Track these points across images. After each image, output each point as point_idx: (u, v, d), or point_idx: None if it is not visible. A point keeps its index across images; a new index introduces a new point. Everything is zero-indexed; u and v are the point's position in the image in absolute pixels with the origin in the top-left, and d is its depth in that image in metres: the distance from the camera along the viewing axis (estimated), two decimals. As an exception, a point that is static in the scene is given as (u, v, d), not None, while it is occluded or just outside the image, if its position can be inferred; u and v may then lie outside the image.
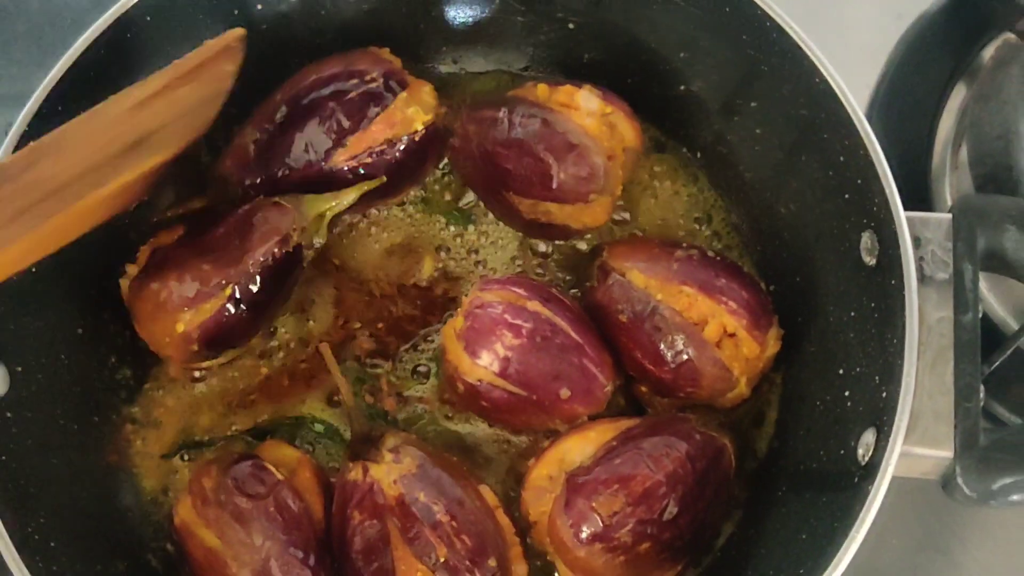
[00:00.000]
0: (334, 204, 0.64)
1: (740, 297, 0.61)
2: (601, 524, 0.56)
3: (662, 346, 0.61)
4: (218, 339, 0.62)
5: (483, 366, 0.60)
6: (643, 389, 0.64)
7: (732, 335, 0.61)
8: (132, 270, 0.63)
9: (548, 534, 0.58)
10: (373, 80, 0.65)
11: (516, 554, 0.59)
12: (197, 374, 0.66)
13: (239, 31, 0.59)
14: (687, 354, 0.60)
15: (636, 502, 0.56)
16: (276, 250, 0.61)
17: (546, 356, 0.60)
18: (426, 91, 0.66)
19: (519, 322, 0.59)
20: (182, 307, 0.60)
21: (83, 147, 0.56)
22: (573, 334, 0.60)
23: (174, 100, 0.59)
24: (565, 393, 0.60)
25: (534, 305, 0.60)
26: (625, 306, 0.62)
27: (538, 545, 0.60)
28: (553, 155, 0.62)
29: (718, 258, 0.64)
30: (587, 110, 0.63)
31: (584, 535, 0.56)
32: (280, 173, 0.65)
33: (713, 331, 0.60)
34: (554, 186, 0.63)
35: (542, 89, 0.65)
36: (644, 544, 0.56)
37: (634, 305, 0.62)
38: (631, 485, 0.57)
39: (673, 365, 0.61)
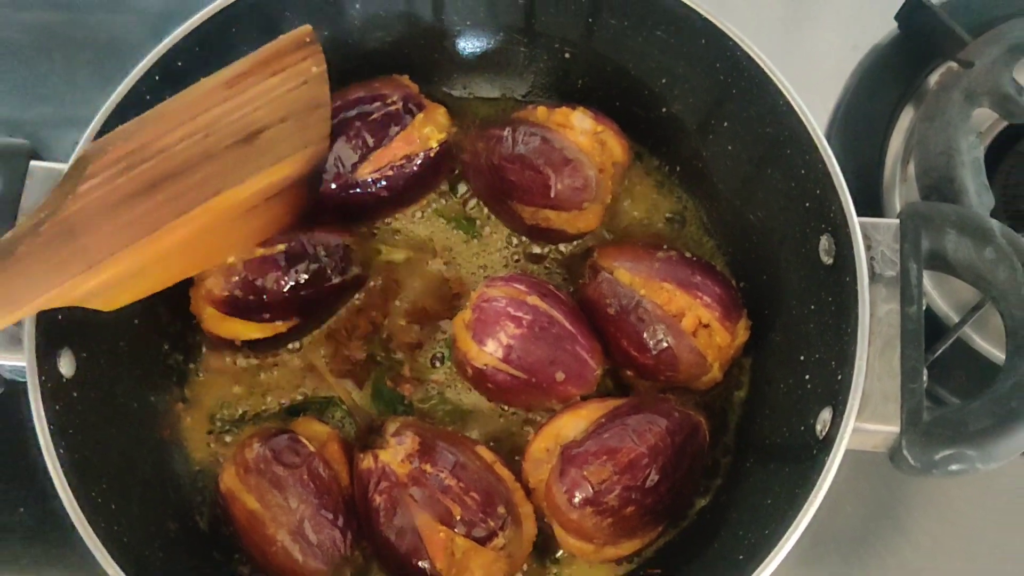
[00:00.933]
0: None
1: (713, 292, 0.61)
2: (591, 490, 0.56)
3: (645, 335, 0.61)
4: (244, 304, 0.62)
5: (489, 352, 0.60)
6: (628, 373, 0.64)
7: (706, 326, 0.61)
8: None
9: (545, 499, 0.59)
10: (394, 103, 0.65)
11: (520, 498, 0.59)
12: (238, 363, 0.66)
13: (307, 27, 0.59)
14: (667, 342, 0.60)
15: (622, 471, 0.56)
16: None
17: (544, 344, 0.60)
18: (440, 113, 0.67)
19: (520, 314, 0.60)
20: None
21: (185, 118, 0.55)
22: (567, 325, 0.60)
23: (268, 92, 0.59)
24: (560, 376, 0.60)
25: (533, 299, 0.60)
26: (613, 300, 0.62)
27: (537, 509, 0.60)
28: (551, 168, 0.63)
29: (694, 258, 0.64)
30: (580, 129, 0.64)
31: (576, 500, 0.57)
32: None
33: (689, 322, 0.61)
34: (552, 195, 0.63)
35: (541, 111, 0.65)
36: (629, 508, 0.57)
37: (621, 299, 0.62)
38: (618, 456, 0.57)
39: (655, 352, 0.61)
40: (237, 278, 0.61)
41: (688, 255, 0.64)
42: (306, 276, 0.61)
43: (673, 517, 0.60)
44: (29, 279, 0.50)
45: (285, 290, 0.61)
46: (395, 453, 0.57)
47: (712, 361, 0.61)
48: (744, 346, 0.63)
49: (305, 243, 0.62)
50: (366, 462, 0.58)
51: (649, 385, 0.64)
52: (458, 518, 0.56)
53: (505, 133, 0.65)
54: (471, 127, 0.69)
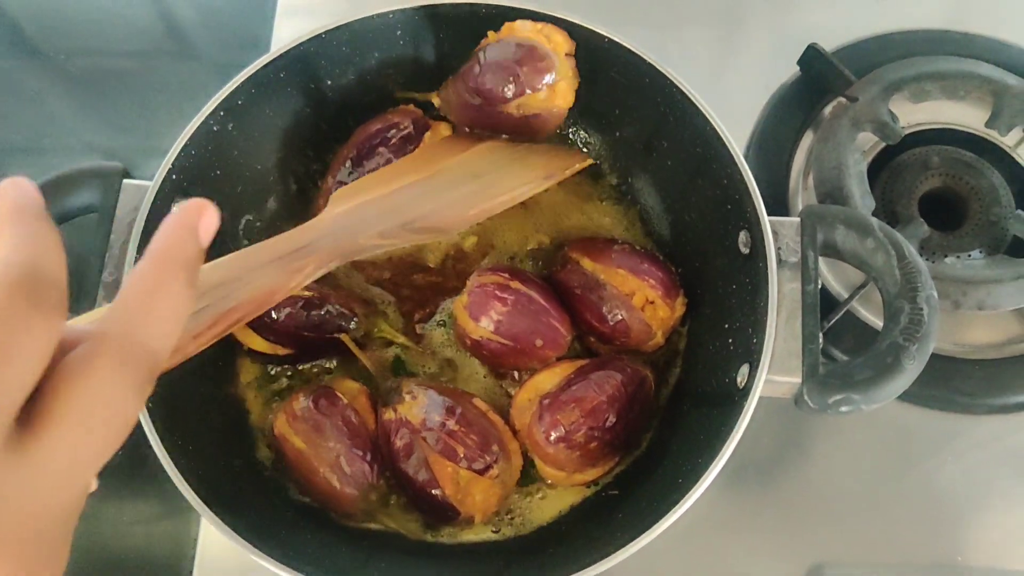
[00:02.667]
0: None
1: (657, 276, 0.62)
2: (563, 431, 0.57)
3: (604, 310, 0.61)
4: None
5: (483, 327, 0.60)
6: (592, 340, 0.64)
7: (652, 302, 0.61)
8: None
9: (527, 438, 0.59)
10: (406, 127, 0.65)
11: (509, 438, 0.60)
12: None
13: (588, 160, 0.59)
14: (621, 315, 0.61)
15: (587, 415, 0.57)
16: None
17: (525, 318, 0.60)
18: (443, 127, 0.67)
19: (505, 296, 0.60)
20: None
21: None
22: (543, 302, 0.61)
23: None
24: (539, 343, 0.60)
25: (515, 284, 0.60)
26: (579, 283, 0.62)
27: (522, 446, 0.60)
28: (515, 61, 0.61)
29: (642, 250, 0.64)
30: (524, 28, 0.62)
31: (552, 438, 0.57)
32: None
33: (639, 300, 0.61)
34: (523, 79, 0.62)
35: (491, 34, 0.64)
36: (593, 443, 0.57)
37: (585, 283, 0.62)
38: (583, 404, 0.57)
39: (612, 323, 0.61)
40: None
41: (637, 247, 0.64)
42: (313, 322, 0.61)
43: (626, 450, 0.61)
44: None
45: (291, 325, 0.60)
46: (410, 407, 0.58)
47: (656, 330, 0.61)
48: (681, 318, 0.63)
49: (325, 299, 0.61)
50: (388, 414, 0.58)
51: (608, 349, 0.64)
52: (461, 455, 0.56)
53: (472, 62, 0.64)
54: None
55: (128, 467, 0.65)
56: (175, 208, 0.27)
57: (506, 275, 0.61)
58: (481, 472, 0.56)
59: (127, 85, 0.84)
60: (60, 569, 0.26)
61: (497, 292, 0.60)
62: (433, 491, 0.56)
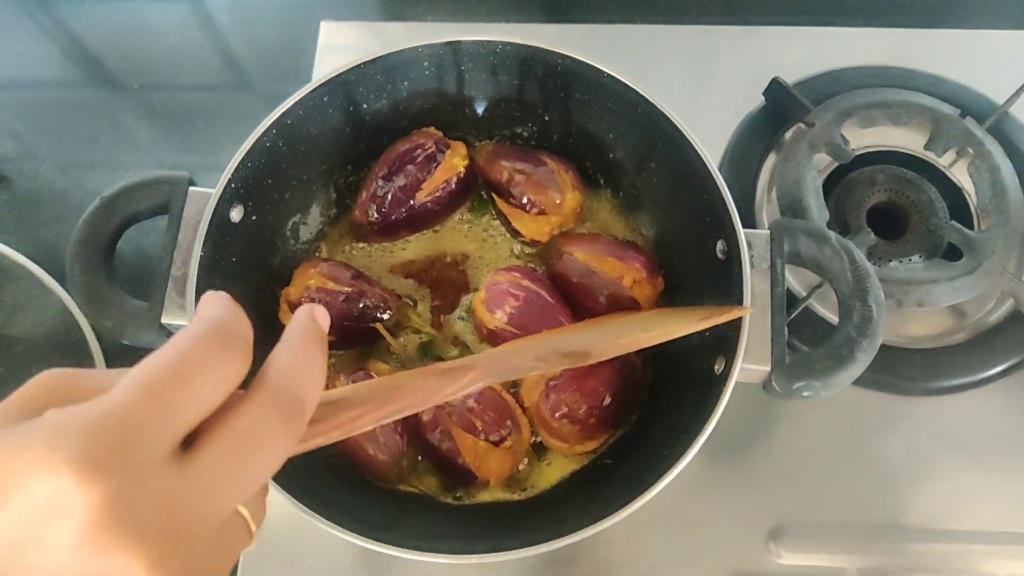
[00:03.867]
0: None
1: (640, 260, 0.61)
2: (566, 408, 0.56)
3: (599, 293, 0.61)
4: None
5: (498, 319, 0.59)
6: None
7: (638, 282, 0.61)
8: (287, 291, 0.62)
9: (535, 414, 0.59)
10: (430, 148, 0.64)
11: (519, 414, 0.59)
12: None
13: (747, 310, 0.52)
14: (614, 296, 0.61)
15: (587, 395, 0.57)
16: None
17: (534, 311, 0.59)
18: (461, 147, 0.66)
19: (517, 292, 0.59)
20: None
21: None
22: (548, 298, 0.60)
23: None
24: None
25: (526, 282, 0.60)
26: (575, 273, 0.62)
27: (530, 421, 0.60)
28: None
29: (625, 241, 0.64)
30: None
31: (557, 415, 0.57)
32: (391, 215, 0.64)
33: (628, 281, 0.61)
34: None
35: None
36: (591, 419, 0.57)
37: (581, 272, 0.62)
38: (584, 386, 0.57)
39: (606, 302, 0.61)
40: (308, 295, 0.60)
41: (619, 238, 0.64)
42: (352, 314, 0.60)
43: (619, 425, 0.60)
44: None
45: (335, 316, 0.59)
46: None
47: (643, 303, 0.62)
48: (661, 294, 0.63)
49: (363, 294, 0.60)
50: None
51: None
52: (480, 428, 0.56)
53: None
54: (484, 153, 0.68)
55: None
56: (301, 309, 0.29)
57: (518, 274, 0.60)
58: (496, 443, 0.56)
59: (191, 111, 0.84)
60: None
61: (511, 289, 0.59)
62: (455, 459, 0.56)
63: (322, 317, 0.30)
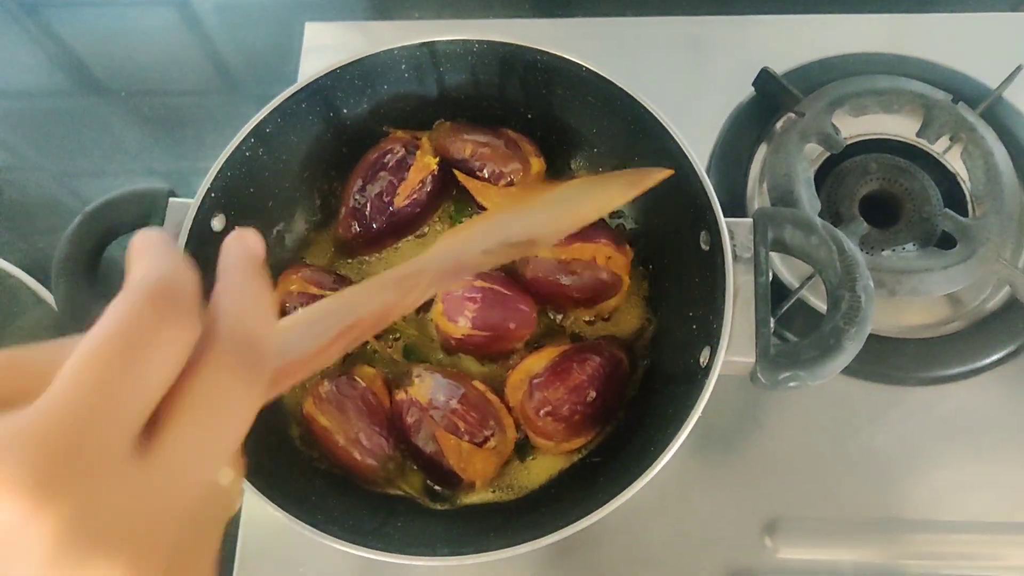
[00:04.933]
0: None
1: (604, 234, 0.61)
2: (551, 406, 0.56)
3: (577, 281, 0.61)
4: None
5: (462, 327, 0.59)
6: (584, 321, 0.64)
7: (610, 257, 0.61)
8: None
9: (520, 413, 0.58)
10: (399, 151, 0.64)
11: (504, 414, 0.59)
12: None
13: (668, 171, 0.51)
14: (593, 277, 0.61)
15: (571, 392, 0.56)
16: None
17: (495, 308, 0.59)
18: (428, 143, 0.66)
19: (473, 295, 0.59)
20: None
21: None
22: (505, 291, 0.60)
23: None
24: (512, 325, 0.60)
25: (479, 283, 0.59)
26: (546, 272, 0.61)
27: (515, 420, 0.59)
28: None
29: None
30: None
31: (541, 413, 0.56)
32: (372, 224, 0.64)
33: (601, 259, 0.61)
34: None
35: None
36: (576, 416, 0.56)
37: (552, 269, 0.61)
38: (568, 382, 0.57)
39: (590, 287, 0.61)
40: (290, 301, 0.60)
41: None
42: None
43: (606, 422, 0.60)
44: None
45: None
46: (419, 388, 0.57)
47: (622, 275, 0.62)
48: (633, 260, 0.63)
49: None
50: (400, 395, 0.58)
51: (591, 332, 0.63)
52: (463, 430, 0.56)
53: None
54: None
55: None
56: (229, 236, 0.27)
57: (468, 276, 0.60)
58: (480, 444, 0.56)
59: (180, 116, 0.84)
60: (204, 561, 0.24)
61: (466, 294, 0.59)
62: (440, 460, 0.56)
63: (253, 241, 0.27)
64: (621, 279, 0.61)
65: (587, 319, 0.64)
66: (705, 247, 0.55)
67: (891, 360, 0.66)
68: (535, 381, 0.58)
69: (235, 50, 0.88)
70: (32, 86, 0.87)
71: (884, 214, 0.70)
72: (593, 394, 0.57)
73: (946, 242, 0.68)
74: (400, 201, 0.64)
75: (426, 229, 0.68)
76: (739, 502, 0.63)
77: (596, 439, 0.60)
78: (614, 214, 0.68)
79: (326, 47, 0.83)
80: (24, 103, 0.86)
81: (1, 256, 0.73)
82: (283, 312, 0.60)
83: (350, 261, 0.67)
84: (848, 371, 0.66)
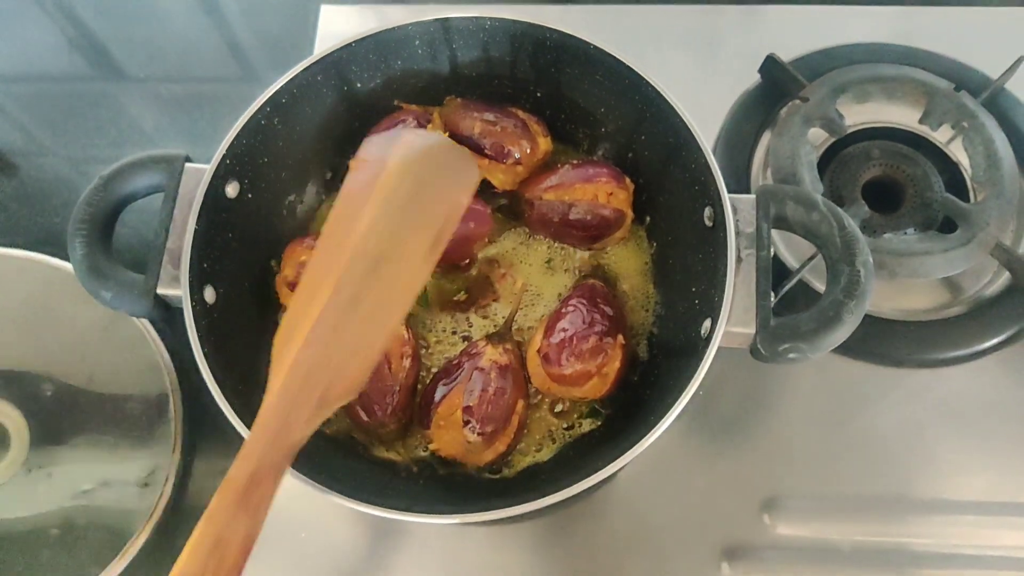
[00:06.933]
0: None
1: (603, 172, 0.63)
2: (566, 348, 0.58)
3: (584, 218, 0.63)
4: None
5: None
6: (587, 245, 0.66)
7: (611, 193, 0.62)
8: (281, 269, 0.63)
9: (550, 378, 0.59)
10: (411, 123, 0.65)
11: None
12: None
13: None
14: (597, 214, 0.63)
15: (572, 330, 0.58)
16: None
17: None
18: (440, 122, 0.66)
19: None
20: None
21: None
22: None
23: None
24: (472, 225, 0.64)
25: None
26: (552, 212, 0.64)
27: (549, 389, 0.60)
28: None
29: (578, 161, 0.66)
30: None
31: (563, 361, 0.58)
32: None
33: (602, 197, 0.62)
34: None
35: None
36: (591, 340, 0.58)
37: (558, 211, 0.63)
38: (561, 323, 0.59)
39: (595, 223, 0.63)
40: (303, 272, 0.59)
41: (576, 160, 0.66)
42: None
43: (618, 331, 0.59)
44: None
45: None
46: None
47: (624, 209, 0.63)
48: (635, 192, 0.64)
49: None
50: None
51: (602, 246, 0.66)
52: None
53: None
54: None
55: (195, 416, 0.66)
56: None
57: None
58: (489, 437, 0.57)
59: (197, 99, 0.85)
60: None
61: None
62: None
63: None
64: (624, 213, 0.63)
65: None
66: (709, 223, 0.56)
67: (892, 341, 0.67)
68: (544, 343, 0.59)
69: (251, 34, 0.89)
70: (51, 68, 0.88)
71: (886, 199, 0.71)
72: (589, 318, 0.58)
73: (947, 227, 0.69)
74: None
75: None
76: (738, 479, 0.64)
77: (625, 355, 0.59)
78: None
79: (341, 31, 0.84)
80: (42, 85, 0.87)
81: (18, 234, 0.74)
82: (291, 284, 0.61)
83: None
84: (848, 351, 0.67)
